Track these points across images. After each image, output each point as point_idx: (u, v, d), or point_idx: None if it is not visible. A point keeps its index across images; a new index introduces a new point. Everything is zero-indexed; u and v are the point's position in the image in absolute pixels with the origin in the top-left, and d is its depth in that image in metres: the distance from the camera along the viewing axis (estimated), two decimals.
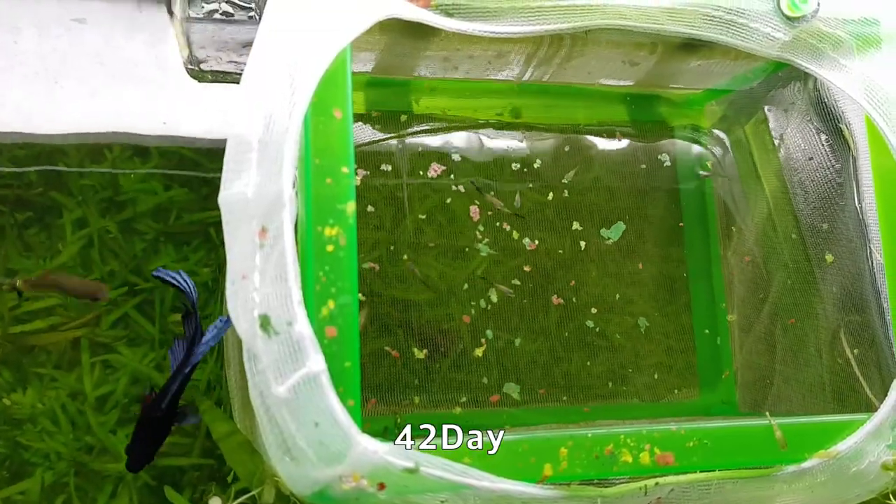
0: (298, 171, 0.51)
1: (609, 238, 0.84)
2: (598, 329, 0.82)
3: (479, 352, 0.78)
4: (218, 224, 0.52)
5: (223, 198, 0.52)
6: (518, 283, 0.81)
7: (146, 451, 0.68)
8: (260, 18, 0.53)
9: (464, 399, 0.78)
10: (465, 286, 0.80)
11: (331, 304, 0.49)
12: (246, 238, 0.50)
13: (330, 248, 0.50)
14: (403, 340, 0.77)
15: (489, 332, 0.79)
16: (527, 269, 0.81)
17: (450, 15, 0.57)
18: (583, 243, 0.83)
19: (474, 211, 0.81)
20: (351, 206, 0.50)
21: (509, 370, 0.80)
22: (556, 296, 0.82)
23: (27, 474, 0.72)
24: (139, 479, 0.73)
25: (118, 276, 0.77)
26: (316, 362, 0.47)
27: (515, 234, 0.82)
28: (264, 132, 0.50)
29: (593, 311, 0.83)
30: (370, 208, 0.79)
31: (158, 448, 0.69)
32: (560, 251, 0.82)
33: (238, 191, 0.51)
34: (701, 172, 0.86)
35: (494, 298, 0.80)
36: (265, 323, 0.48)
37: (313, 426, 0.47)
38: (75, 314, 0.75)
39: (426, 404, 0.76)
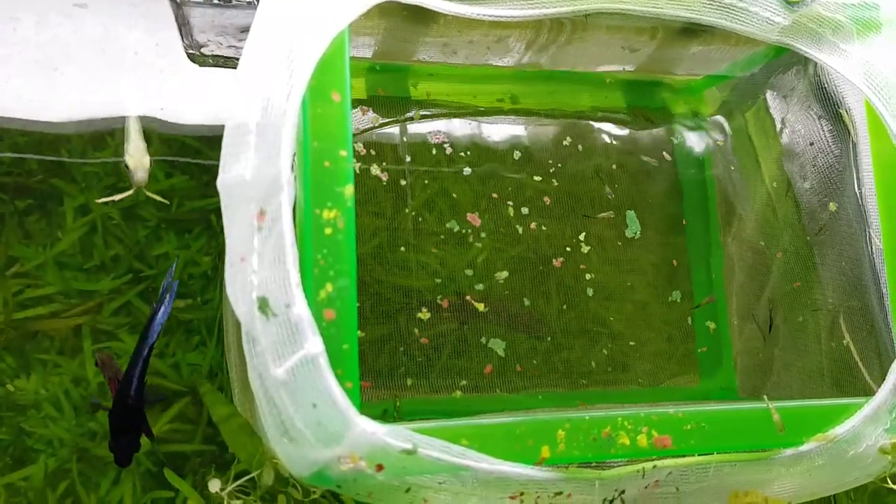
0: (297, 154, 0.51)
1: (635, 235, 0.84)
2: (598, 316, 0.83)
3: (481, 307, 0.78)
4: (219, 211, 0.52)
5: (222, 181, 0.52)
6: (516, 269, 0.81)
7: (129, 441, 0.69)
8: (258, 2, 0.53)
9: (464, 383, 0.78)
10: (466, 272, 0.80)
11: (329, 286, 0.49)
12: (244, 221, 0.50)
13: (328, 230, 0.50)
14: (404, 326, 0.78)
15: (489, 320, 0.80)
16: (526, 255, 0.81)
17: None
18: (583, 231, 0.83)
19: (474, 197, 0.81)
20: (349, 189, 0.50)
21: (509, 358, 0.80)
22: (556, 282, 0.82)
23: (30, 460, 0.72)
24: (141, 465, 0.73)
25: (122, 263, 0.77)
26: (314, 344, 0.47)
27: (515, 221, 0.82)
28: (262, 115, 0.50)
29: (594, 297, 0.83)
30: (367, 194, 0.79)
31: (140, 434, 0.70)
32: (560, 238, 0.82)
33: (236, 174, 0.51)
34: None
35: (495, 282, 0.80)
36: (263, 305, 0.48)
37: (311, 408, 0.47)
38: (77, 301, 0.76)
39: (426, 389, 0.77)
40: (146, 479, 0.73)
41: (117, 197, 0.74)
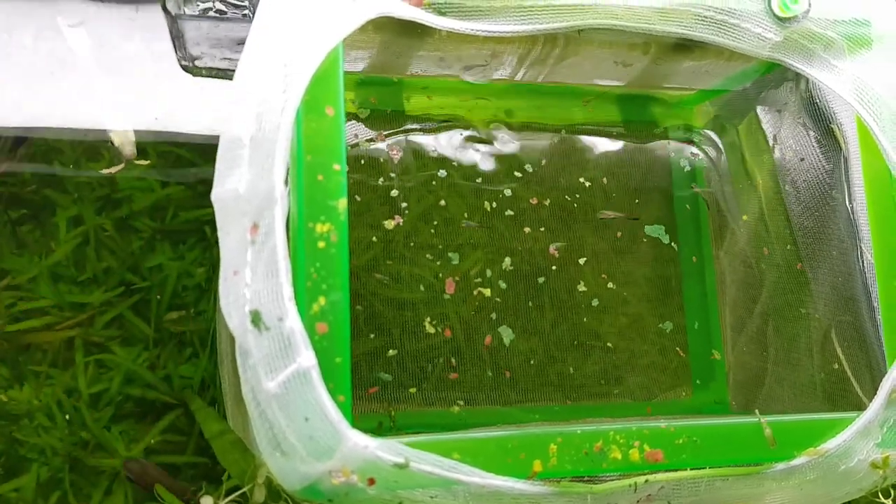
0: (290, 168, 0.51)
1: (670, 242, 0.84)
2: (592, 328, 0.83)
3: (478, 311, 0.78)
4: (212, 222, 0.52)
5: (216, 194, 0.52)
6: (512, 280, 0.81)
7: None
8: (253, 16, 0.53)
9: (461, 401, 0.78)
10: (460, 285, 0.80)
11: (322, 300, 0.49)
12: (238, 234, 0.50)
13: (321, 244, 0.50)
14: (398, 338, 0.78)
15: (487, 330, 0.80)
16: (520, 268, 0.82)
17: (442, 14, 0.57)
18: (577, 244, 0.83)
19: (469, 209, 0.81)
20: (342, 203, 0.50)
21: (502, 367, 0.80)
22: (549, 295, 0.82)
23: (23, 471, 0.72)
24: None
25: (114, 275, 0.77)
26: (306, 358, 0.47)
27: (509, 235, 0.82)
28: (256, 129, 0.50)
29: (588, 310, 0.83)
30: (362, 207, 0.79)
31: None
32: (554, 251, 0.83)
33: (230, 187, 0.51)
34: (694, 187, 0.87)
35: (488, 294, 0.80)
36: (256, 318, 0.48)
37: (303, 421, 0.47)
38: (70, 314, 0.75)
39: (422, 402, 0.77)
40: (138, 489, 0.73)
41: (113, 169, 0.73)
